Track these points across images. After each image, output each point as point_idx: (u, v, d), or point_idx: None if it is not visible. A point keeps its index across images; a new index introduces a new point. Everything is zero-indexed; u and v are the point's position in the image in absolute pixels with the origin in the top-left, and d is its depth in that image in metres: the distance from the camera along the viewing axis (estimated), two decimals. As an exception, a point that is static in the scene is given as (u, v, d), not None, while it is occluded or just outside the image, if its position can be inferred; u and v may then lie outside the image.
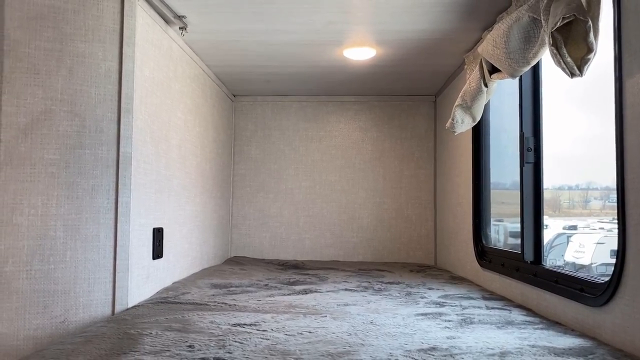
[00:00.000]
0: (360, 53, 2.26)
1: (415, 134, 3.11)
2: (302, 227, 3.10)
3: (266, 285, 2.03)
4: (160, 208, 1.85)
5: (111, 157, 1.53)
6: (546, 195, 2.16)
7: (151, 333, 1.25)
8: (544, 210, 1.76)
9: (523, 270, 1.70)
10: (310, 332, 1.28)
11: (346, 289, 1.96)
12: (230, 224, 3.10)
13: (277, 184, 3.13)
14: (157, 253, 1.81)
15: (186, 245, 2.19)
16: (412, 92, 3.05)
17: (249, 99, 3.15)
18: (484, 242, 2.20)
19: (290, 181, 3.13)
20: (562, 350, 1.12)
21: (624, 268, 1.13)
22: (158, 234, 1.82)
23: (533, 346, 1.16)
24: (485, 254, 2.14)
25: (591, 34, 1.15)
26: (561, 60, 1.20)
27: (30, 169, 1.45)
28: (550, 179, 2.08)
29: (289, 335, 1.26)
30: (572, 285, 1.36)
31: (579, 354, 1.10)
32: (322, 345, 1.18)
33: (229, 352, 1.11)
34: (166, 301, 1.63)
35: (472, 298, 1.79)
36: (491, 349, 1.14)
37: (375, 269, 2.62)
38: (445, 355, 1.09)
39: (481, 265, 2.13)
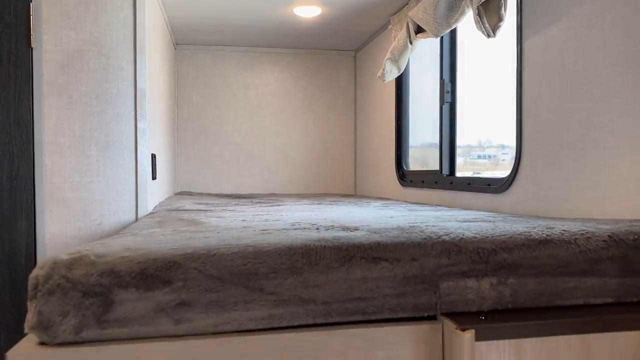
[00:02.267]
0: (309, 11, 2.69)
1: (339, 84, 3.62)
2: (241, 165, 3.52)
3: (237, 203, 2.46)
4: (150, 137, 2.19)
5: (131, 90, 1.85)
6: (415, 152, 2.81)
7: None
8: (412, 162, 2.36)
9: (441, 182, 2.31)
10: (314, 213, 1.76)
11: (305, 204, 2.45)
12: (175, 162, 3.43)
13: (217, 127, 3.50)
14: (154, 175, 2.16)
15: (162, 173, 2.53)
16: (337, 47, 3.54)
17: (191, 47, 3.44)
18: (404, 168, 2.80)
19: (230, 125, 3.51)
20: (474, 217, 1.72)
21: (519, 167, 1.74)
22: (154, 159, 2.17)
23: (459, 215, 1.75)
24: (406, 176, 2.74)
25: (502, 8, 1.71)
26: (482, 26, 1.76)
27: (68, 99, 1.73)
28: (422, 137, 2.66)
29: (301, 212, 1.72)
30: (481, 183, 1.98)
31: (486, 217, 1.70)
32: (335, 217, 1.67)
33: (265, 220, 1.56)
34: (175, 209, 2.01)
35: (405, 203, 2.38)
36: (437, 213, 1.71)
37: (313, 196, 3.14)
38: (405, 216, 1.64)
39: (403, 185, 2.73)
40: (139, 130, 1.86)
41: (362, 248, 0.75)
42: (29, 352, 0.66)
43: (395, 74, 2.63)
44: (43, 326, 0.66)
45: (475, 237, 0.79)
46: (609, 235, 0.81)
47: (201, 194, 3.30)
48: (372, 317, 0.74)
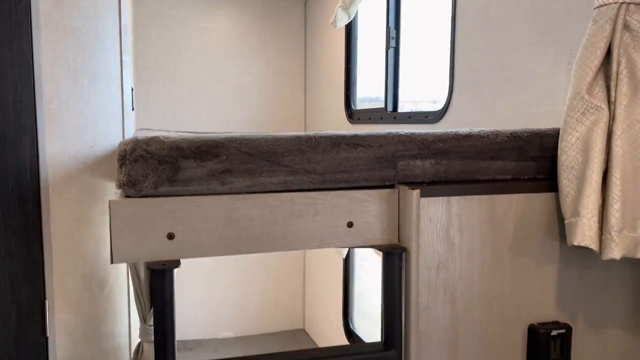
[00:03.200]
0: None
1: (290, 30, 3.87)
2: (199, 106, 3.74)
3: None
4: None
5: (116, 27, 2.06)
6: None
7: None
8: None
9: (386, 117, 2.67)
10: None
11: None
12: (136, 100, 3.60)
13: (175, 69, 3.69)
14: (132, 106, 2.38)
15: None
16: (289, -6, 3.78)
17: (150, -10, 3.57)
18: (352, 107, 3.15)
19: (187, 67, 3.70)
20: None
21: (450, 100, 2.12)
22: (132, 91, 2.39)
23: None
24: (354, 114, 3.09)
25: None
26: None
27: (62, 33, 1.92)
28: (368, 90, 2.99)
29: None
30: (420, 116, 2.35)
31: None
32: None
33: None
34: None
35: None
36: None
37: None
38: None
39: (352, 123, 3.08)
40: (123, 63, 2.08)
41: (347, 138, 1.08)
42: (124, 200, 0.96)
43: (345, 20, 2.93)
44: (131, 183, 0.96)
45: (421, 134, 1.14)
46: (510, 133, 1.18)
47: (160, 131, 3.50)
48: (353, 185, 1.09)
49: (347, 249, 3.08)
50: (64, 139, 1.96)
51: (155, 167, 0.96)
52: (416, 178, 1.12)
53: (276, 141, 1.03)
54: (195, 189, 0.99)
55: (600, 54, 1.03)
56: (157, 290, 0.94)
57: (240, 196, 1.01)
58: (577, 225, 1.03)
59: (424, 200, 1.06)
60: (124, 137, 2.11)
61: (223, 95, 3.68)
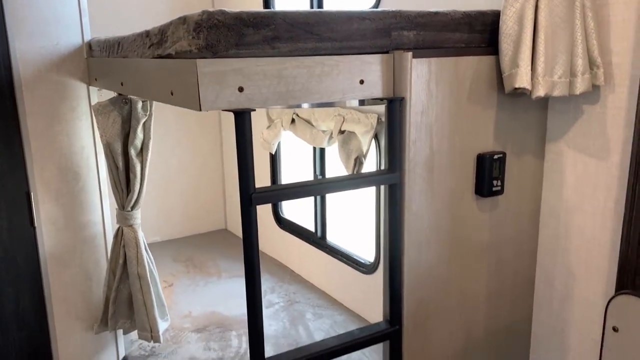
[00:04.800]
0: None
1: None
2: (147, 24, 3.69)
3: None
4: None
5: None
6: None
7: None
8: None
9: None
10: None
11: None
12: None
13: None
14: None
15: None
16: None
17: None
18: None
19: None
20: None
21: (379, -1, 2.46)
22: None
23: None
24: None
25: None
26: None
27: None
28: None
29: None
30: None
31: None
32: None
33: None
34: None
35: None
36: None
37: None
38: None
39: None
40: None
41: (358, 12, 1.40)
42: (207, 60, 1.20)
43: None
44: (209, 46, 1.20)
45: (407, 11, 1.48)
46: (463, 12, 1.57)
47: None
48: (362, 51, 1.42)
49: (276, 145, 3.41)
50: (31, 36, 2.01)
51: (225, 33, 1.21)
52: (404, 45, 1.47)
53: (309, 15, 1.32)
54: (254, 52, 1.26)
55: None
56: (240, 129, 1.22)
57: (286, 58, 1.30)
58: (517, 74, 1.47)
59: (414, 61, 1.43)
60: (83, 41, 2.19)
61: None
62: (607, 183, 1.60)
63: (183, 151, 4.25)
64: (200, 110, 1.20)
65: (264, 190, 1.28)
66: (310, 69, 1.33)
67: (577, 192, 1.69)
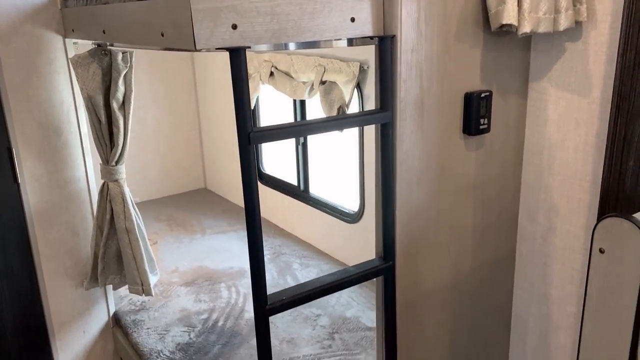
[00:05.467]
0: None
1: None
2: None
3: None
4: None
5: None
6: None
7: None
8: None
9: None
10: None
11: None
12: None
13: None
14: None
15: None
16: None
17: None
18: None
19: None
20: None
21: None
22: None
23: None
24: None
25: None
26: None
27: None
28: None
29: None
30: None
31: None
32: None
33: None
34: None
35: None
36: None
37: None
38: None
39: None
40: None
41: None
42: (199, -4, 1.19)
43: None
44: (202, -17, 1.18)
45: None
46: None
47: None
48: (351, -12, 1.41)
49: (254, 100, 3.38)
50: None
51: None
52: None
53: (300, -50, 1.30)
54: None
55: None
56: (236, 67, 1.22)
57: (279, -5, 1.29)
58: (504, 10, 1.49)
59: (404, -3, 1.43)
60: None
61: None
62: (588, 118, 1.66)
63: (158, 111, 4.19)
64: (195, 49, 1.19)
65: (262, 129, 1.29)
66: (302, 6, 1.32)
67: (560, 129, 1.75)
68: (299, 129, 1.35)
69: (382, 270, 1.62)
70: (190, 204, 4.14)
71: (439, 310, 1.80)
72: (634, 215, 1.24)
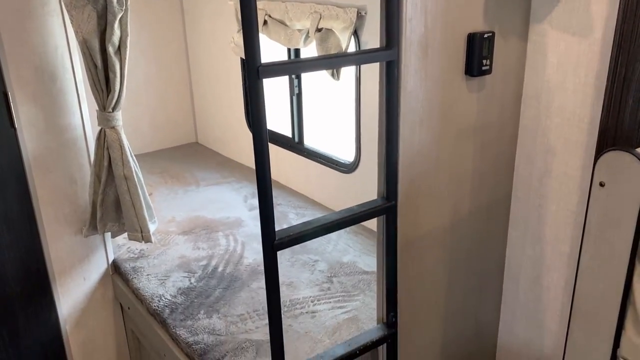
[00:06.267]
0: None
1: None
2: None
3: None
4: None
5: None
6: None
7: None
8: None
9: None
10: None
11: None
12: None
13: None
14: None
15: None
16: None
17: None
18: None
19: None
20: None
21: None
22: None
23: None
24: None
25: None
26: None
27: None
28: None
29: None
30: None
31: None
32: None
33: None
34: None
35: None
36: None
37: None
38: None
39: None
40: None
41: None
42: None
43: None
44: None
45: None
46: None
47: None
48: None
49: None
50: None
51: None
52: None
53: None
54: None
55: None
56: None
57: None
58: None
59: None
60: None
61: None
62: (588, 60, 1.68)
63: (147, 63, 4.12)
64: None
65: (269, 64, 1.29)
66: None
67: (559, 72, 1.77)
68: (308, 64, 1.35)
69: (384, 209, 1.65)
70: (183, 157, 4.13)
71: (438, 251, 1.85)
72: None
